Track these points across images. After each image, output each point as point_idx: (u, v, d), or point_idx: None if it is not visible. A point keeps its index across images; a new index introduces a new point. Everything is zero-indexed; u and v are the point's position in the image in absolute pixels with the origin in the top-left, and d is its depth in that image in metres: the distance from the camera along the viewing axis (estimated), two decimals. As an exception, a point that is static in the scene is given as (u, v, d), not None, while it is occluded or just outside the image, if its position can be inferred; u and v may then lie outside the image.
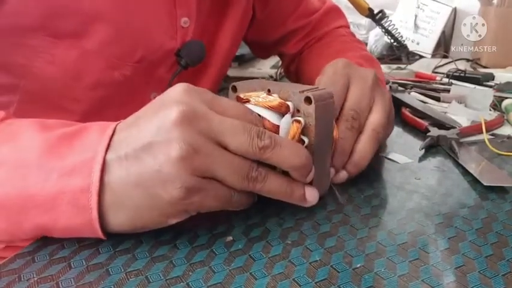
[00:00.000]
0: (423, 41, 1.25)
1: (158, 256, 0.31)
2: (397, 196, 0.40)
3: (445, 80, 0.88)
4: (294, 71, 0.73)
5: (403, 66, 1.08)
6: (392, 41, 1.11)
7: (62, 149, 0.31)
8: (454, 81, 0.86)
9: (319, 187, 0.36)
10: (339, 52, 0.61)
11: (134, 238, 0.33)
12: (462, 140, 0.54)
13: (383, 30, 1.02)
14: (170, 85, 0.54)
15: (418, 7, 1.26)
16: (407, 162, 0.48)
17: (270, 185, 0.32)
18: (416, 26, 1.27)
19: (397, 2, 1.32)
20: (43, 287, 0.28)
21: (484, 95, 0.71)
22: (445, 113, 0.66)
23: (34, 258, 0.31)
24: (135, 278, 0.29)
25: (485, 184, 0.42)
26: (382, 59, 1.19)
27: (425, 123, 0.60)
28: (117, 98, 0.51)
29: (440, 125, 0.59)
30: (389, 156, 0.50)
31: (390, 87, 0.74)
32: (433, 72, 0.97)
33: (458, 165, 0.48)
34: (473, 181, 0.44)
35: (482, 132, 0.56)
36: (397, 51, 1.19)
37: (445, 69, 0.96)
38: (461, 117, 0.64)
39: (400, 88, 0.75)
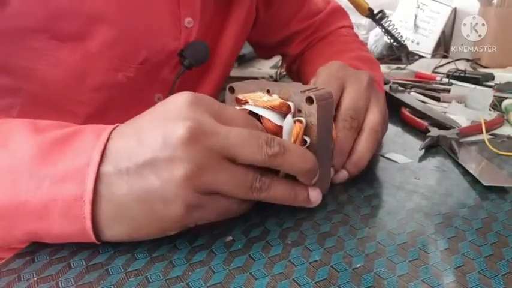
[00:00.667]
0: (423, 41, 1.25)
1: (158, 256, 0.31)
2: (397, 196, 0.40)
3: (445, 80, 0.88)
4: (296, 70, 0.73)
5: (403, 66, 1.08)
6: (392, 41, 1.11)
7: (55, 155, 0.30)
8: (454, 81, 0.86)
9: (320, 187, 0.36)
10: (338, 52, 0.61)
11: (134, 238, 0.32)
12: (462, 140, 0.54)
13: (383, 30, 1.02)
14: (174, 86, 0.54)
15: (418, 7, 1.27)
16: (407, 162, 0.48)
17: (274, 193, 0.32)
18: (416, 26, 1.27)
19: (397, 2, 1.32)
20: (43, 287, 0.28)
21: (484, 95, 0.71)
22: (445, 113, 0.66)
23: (34, 258, 0.31)
24: (135, 278, 0.29)
25: (485, 184, 0.42)
26: (382, 59, 1.19)
27: (425, 123, 0.60)
28: (120, 100, 0.51)
29: (440, 125, 0.59)
30: (389, 156, 0.50)
31: (390, 87, 0.74)
32: (433, 72, 0.98)
33: (458, 165, 0.48)
34: (473, 181, 0.44)
35: (482, 132, 0.56)
36: (397, 51, 1.19)
37: (445, 69, 0.96)
38: (461, 117, 0.64)
39: (400, 88, 0.75)
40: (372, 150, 0.42)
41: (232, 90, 0.38)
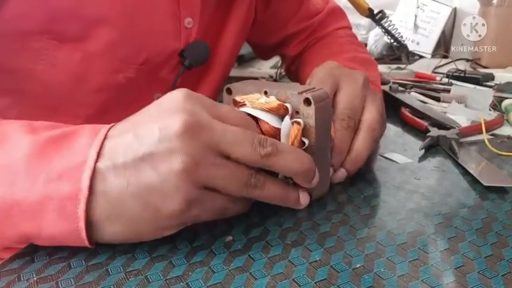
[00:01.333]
0: (423, 41, 1.25)
1: (158, 256, 0.31)
2: (397, 196, 0.40)
3: (445, 80, 0.88)
4: (294, 71, 0.73)
5: (403, 66, 1.08)
6: (392, 41, 1.11)
7: (51, 154, 0.30)
8: (454, 82, 0.86)
9: (320, 187, 0.36)
10: (335, 54, 0.61)
11: (134, 238, 0.32)
12: (462, 140, 0.54)
13: (383, 30, 1.02)
14: (174, 86, 0.54)
15: (418, 7, 1.27)
16: (407, 162, 0.48)
17: (268, 191, 0.32)
18: (416, 26, 1.27)
19: (397, 2, 1.32)
20: (43, 287, 0.28)
21: (484, 95, 0.71)
22: (445, 113, 0.66)
23: (33, 258, 0.31)
24: (135, 278, 0.29)
25: (485, 184, 0.42)
26: (382, 59, 1.19)
27: (425, 123, 0.60)
28: (121, 101, 0.51)
29: (440, 125, 0.59)
30: (389, 156, 0.50)
31: (390, 87, 0.74)
32: (433, 72, 0.98)
33: (458, 165, 0.48)
34: (473, 181, 0.44)
35: (482, 133, 0.56)
36: (397, 51, 1.19)
37: (445, 69, 0.96)
38: (461, 117, 0.64)
39: (400, 88, 0.75)
40: (369, 148, 0.42)
41: (229, 91, 0.38)
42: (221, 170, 0.29)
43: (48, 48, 0.45)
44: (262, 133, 0.34)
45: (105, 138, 0.30)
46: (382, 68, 1.02)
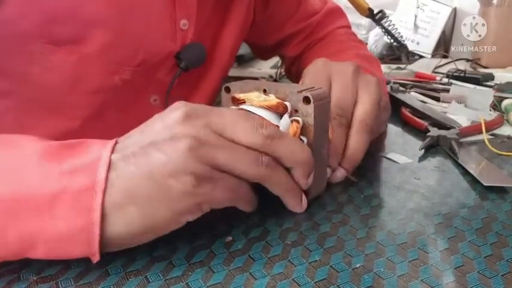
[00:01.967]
0: (423, 41, 1.25)
1: (158, 256, 0.31)
2: (397, 196, 0.40)
3: (445, 80, 0.88)
4: (295, 72, 0.73)
5: (403, 66, 1.08)
6: (392, 41, 1.11)
7: (65, 154, 0.30)
8: (454, 81, 0.86)
9: (317, 187, 0.36)
10: (335, 53, 0.61)
11: (134, 238, 0.32)
12: (462, 140, 0.54)
13: (383, 30, 1.02)
14: (170, 88, 0.54)
15: (418, 7, 1.27)
16: (407, 162, 0.48)
17: (280, 176, 0.32)
18: (416, 26, 1.27)
19: (397, 2, 1.32)
20: (42, 287, 0.28)
21: (484, 95, 0.71)
22: (445, 113, 0.66)
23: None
24: (135, 278, 0.29)
25: (485, 184, 0.42)
26: (382, 59, 1.19)
27: (425, 123, 0.60)
28: (116, 102, 0.51)
29: (440, 125, 0.59)
30: (389, 156, 0.50)
31: (391, 87, 0.74)
32: (433, 72, 0.98)
33: (458, 165, 0.48)
34: (473, 181, 0.44)
35: (482, 132, 0.56)
36: (397, 51, 1.19)
37: (445, 69, 0.96)
38: (461, 117, 0.64)
39: (400, 88, 0.75)
40: (364, 143, 0.42)
41: (228, 90, 0.38)
42: (228, 150, 0.30)
43: (44, 52, 0.45)
44: None
45: (116, 143, 0.31)
46: (382, 68, 1.01)
